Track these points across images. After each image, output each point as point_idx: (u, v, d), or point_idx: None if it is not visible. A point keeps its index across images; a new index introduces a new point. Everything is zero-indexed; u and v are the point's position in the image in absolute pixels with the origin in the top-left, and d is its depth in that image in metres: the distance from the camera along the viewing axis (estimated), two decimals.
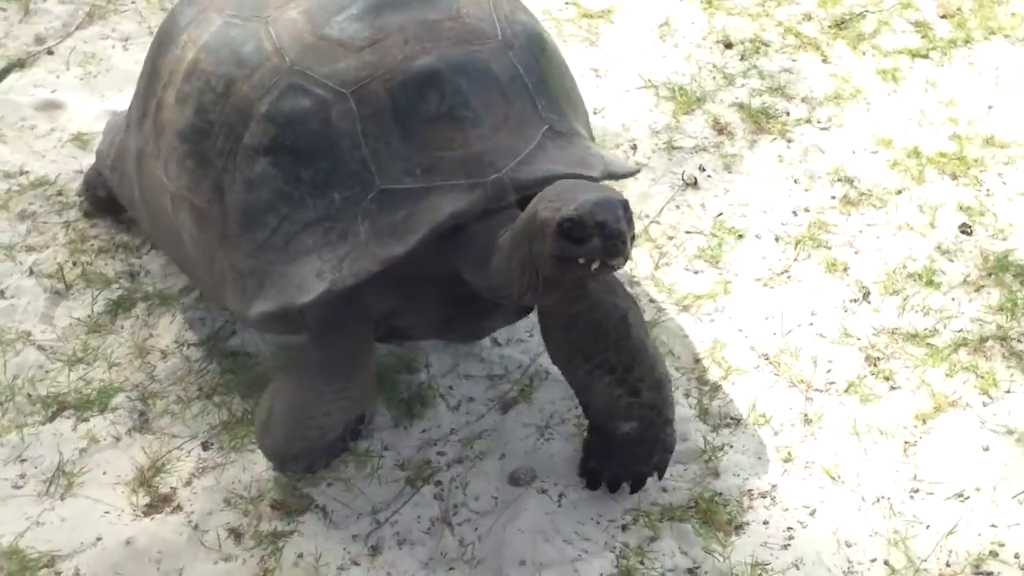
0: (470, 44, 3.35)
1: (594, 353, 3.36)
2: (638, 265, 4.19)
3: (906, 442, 3.59)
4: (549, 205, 2.99)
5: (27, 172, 4.66)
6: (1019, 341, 3.90)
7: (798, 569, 3.27)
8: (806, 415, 3.68)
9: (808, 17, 5.62)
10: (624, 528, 3.39)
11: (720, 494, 3.45)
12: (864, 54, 5.36)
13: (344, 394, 3.43)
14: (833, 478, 3.50)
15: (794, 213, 4.46)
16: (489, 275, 3.19)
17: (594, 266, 2.94)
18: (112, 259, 4.32)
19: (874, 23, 5.56)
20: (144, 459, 3.60)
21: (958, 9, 5.65)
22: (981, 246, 4.28)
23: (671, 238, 4.36)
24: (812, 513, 3.41)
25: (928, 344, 3.90)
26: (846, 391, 3.75)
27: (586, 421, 3.59)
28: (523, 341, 3.91)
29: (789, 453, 3.57)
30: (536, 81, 3.40)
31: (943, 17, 5.63)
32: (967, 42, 5.43)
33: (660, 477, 3.47)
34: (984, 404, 3.69)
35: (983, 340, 3.90)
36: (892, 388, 3.76)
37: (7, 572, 3.31)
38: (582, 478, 3.52)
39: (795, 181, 4.62)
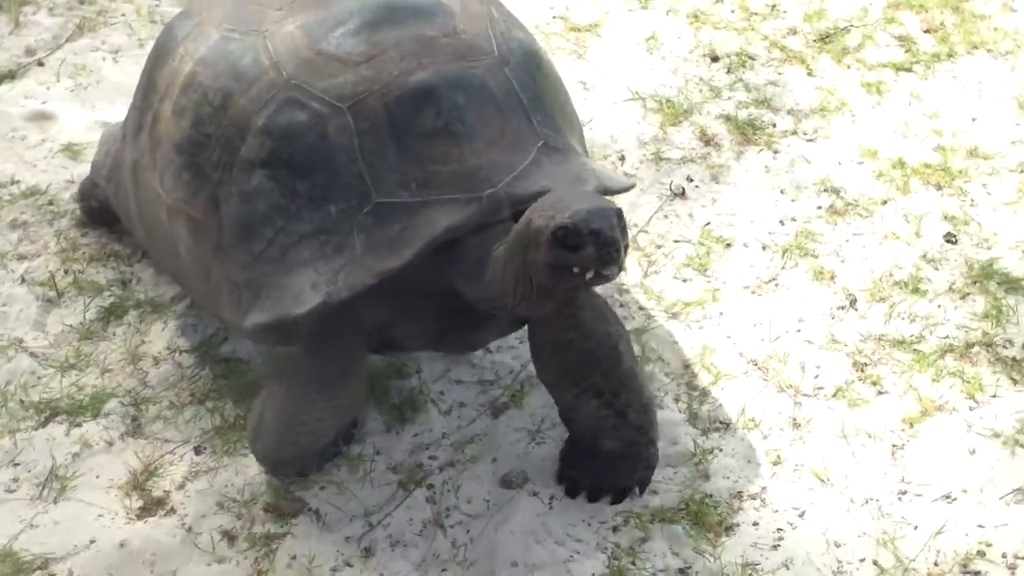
0: (466, 60, 3.37)
1: (583, 378, 3.38)
2: (627, 273, 4.22)
3: (894, 445, 3.63)
4: (543, 214, 3.02)
5: (18, 182, 4.68)
6: (1004, 347, 3.94)
7: (788, 569, 3.30)
8: (795, 419, 3.71)
9: (793, 31, 5.68)
10: (615, 529, 3.41)
11: (710, 496, 3.48)
12: (849, 67, 5.42)
13: (335, 402, 3.46)
14: (822, 480, 3.53)
15: (781, 222, 4.51)
16: (484, 286, 3.21)
17: (588, 275, 2.96)
18: (103, 267, 4.34)
19: (858, 37, 5.62)
20: (137, 463, 3.61)
21: (941, 24, 5.72)
22: (966, 255, 4.32)
23: (659, 247, 4.40)
24: (801, 515, 3.44)
25: (915, 350, 3.94)
26: (834, 396, 3.79)
27: None
28: (513, 347, 3.93)
29: (778, 456, 3.60)
30: (531, 97, 3.42)
31: (926, 32, 5.69)
32: (950, 56, 5.49)
33: (641, 492, 3.50)
34: (970, 408, 3.73)
35: (969, 346, 3.94)
36: (879, 393, 3.80)
37: (1, 574, 3.32)
38: (560, 484, 3.54)
39: (782, 191, 4.66)
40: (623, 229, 2.99)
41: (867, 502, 3.46)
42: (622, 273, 3.95)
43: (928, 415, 3.71)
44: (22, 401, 3.81)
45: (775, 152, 4.88)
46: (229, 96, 3.38)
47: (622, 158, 4.81)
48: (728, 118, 5.06)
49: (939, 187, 4.67)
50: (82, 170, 4.79)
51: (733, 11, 5.85)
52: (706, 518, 3.41)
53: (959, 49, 5.54)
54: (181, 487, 3.56)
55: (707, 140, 4.95)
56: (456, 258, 3.24)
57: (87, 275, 4.31)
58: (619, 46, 5.57)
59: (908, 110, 5.13)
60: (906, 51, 5.52)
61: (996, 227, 4.44)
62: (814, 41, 5.61)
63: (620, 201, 4.29)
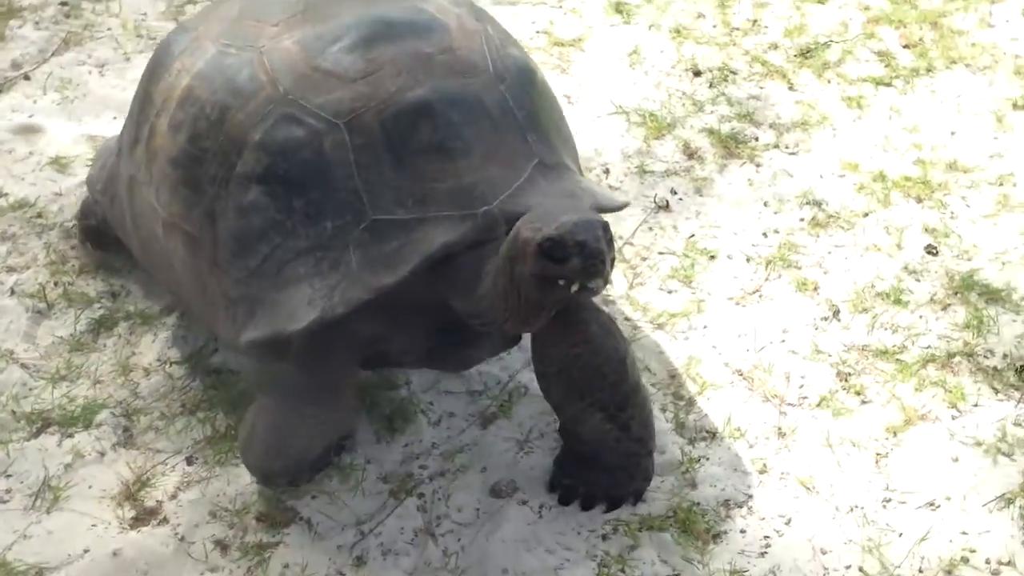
0: (462, 77, 3.40)
1: (589, 393, 3.40)
2: (613, 285, 4.26)
3: (878, 454, 3.67)
4: (531, 226, 3.07)
5: (6, 194, 4.71)
6: (985, 357, 4.00)
7: (775, 575, 3.34)
8: (780, 428, 3.76)
9: (774, 46, 5.75)
10: (604, 538, 3.45)
11: (698, 504, 3.52)
12: (829, 82, 5.48)
13: (325, 417, 3.50)
14: (808, 488, 3.58)
15: (764, 235, 4.56)
16: (476, 301, 3.25)
17: (574, 287, 3.01)
18: (93, 279, 4.37)
19: (839, 52, 5.68)
20: (129, 474, 3.64)
21: (920, 39, 5.79)
22: (947, 266, 4.38)
23: (644, 259, 4.44)
24: (788, 522, 3.48)
25: (897, 360, 3.99)
26: (818, 405, 3.84)
27: None
28: (501, 359, 3.96)
29: (764, 465, 3.65)
30: (527, 114, 3.45)
31: (906, 47, 5.76)
32: (929, 71, 5.56)
33: (635, 503, 3.53)
34: (953, 417, 3.78)
35: (950, 356, 3.99)
36: (863, 402, 3.85)
37: None
38: (552, 492, 3.57)
39: (764, 204, 4.72)
40: (609, 241, 3.03)
41: (852, 510, 3.51)
42: (609, 285, 4.01)
43: (911, 424, 3.76)
44: (13, 412, 3.83)
45: (758, 165, 4.93)
46: (226, 111, 3.39)
47: (606, 171, 4.86)
48: (711, 132, 5.12)
49: (919, 200, 4.73)
50: (70, 183, 4.83)
51: (715, 26, 5.91)
52: (694, 526, 3.45)
53: (938, 64, 5.61)
54: (173, 497, 3.58)
55: (690, 153, 5.00)
56: (450, 274, 3.27)
57: (77, 287, 4.33)
58: (602, 61, 5.63)
59: (888, 124, 5.19)
60: (886, 66, 5.59)
61: (976, 239, 4.50)
62: (795, 56, 5.67)
63: (605, 214, 4.35)
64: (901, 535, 3.43)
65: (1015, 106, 5.30)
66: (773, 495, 3.56)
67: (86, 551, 3.43)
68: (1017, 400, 3.83)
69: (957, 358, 3.99)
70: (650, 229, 4.58)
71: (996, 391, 3.86)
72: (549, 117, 3.60)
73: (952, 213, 4.66)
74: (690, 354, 4.03)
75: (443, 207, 3.23)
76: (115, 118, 5.22)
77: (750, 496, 3.55)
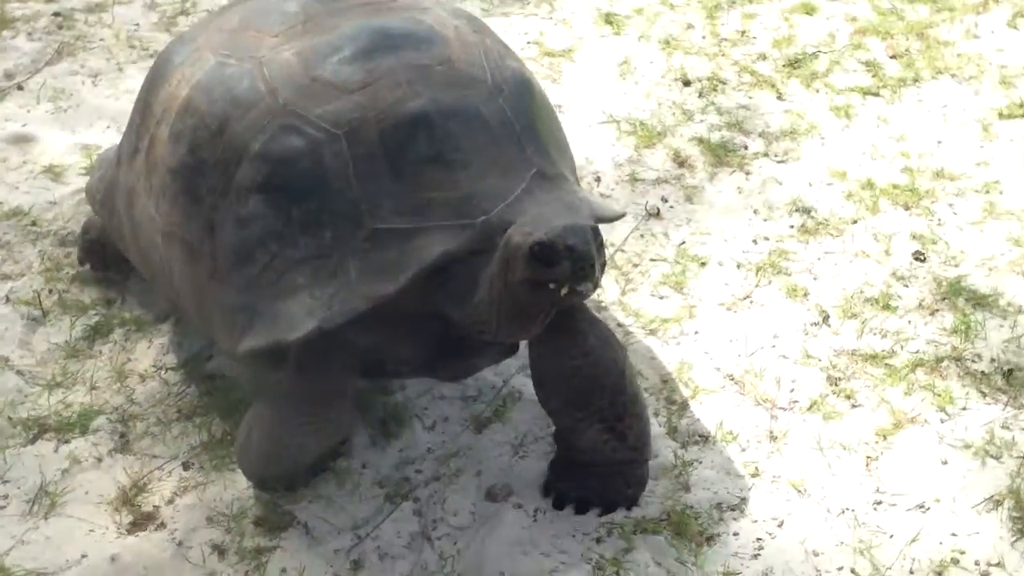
0: (461, 89, 3.41)
1: (588, 403, 3.43)
2: (605, 291, 4.30)
3: (868, 457, 3.71)
4: (521, 231, 3.11)
5: (1, 203, 4.73)
6: (973, 361, 4.04)
7: None
8: (771, 432, 3.80)
9: (763, 57, 5.80)
10: (599, 540, 3.48)
11: (691, 507, 3.55)
12: (817, 92, 5.54)
13: (321, 424, 3.52)
14: (799, 491, 3.61)
15: (754, 241, 4.60)
16: (472, 308, 3.27)
17: (563, 291, 3.04)
18: (87, 287, 4.40)
19: (826, 63, 5.75)
20: (126, 479, 3.66)
21: (906, 50, 5.86)
22: (934, 272, 4.43)
23: (636, 265, 4.48)
24: (780, 524, 3.52)
25: (886, 364, 4.03)
26: (809, 409, 3.87)
27: None
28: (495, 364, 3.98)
29: (756, 468, 3.68)
30: (525, 126, 3.46)
31: (892, 57, 5.83)
32: (916, 81, 5.62)
33: (630, 508, 3.56)
34: (942, 420, 3.82)
35: (939, 360, 4.04)
36: (853, 406, 3.89)
37: None
38: (546, 497, 3.60)
39: (754, 211, 4.76)
40: (599, 246, 3.07)
41: (843, 512, 3.54)
42: (600, 291, 4.06)
43: (901, 427, 3.80)
44: (10, 418, 3.85)
45: (747, 173, 4.98)
46: (226, 121, 3.40)
47: (598, 179, 4.90)
48: (701, 140, 5.17)
49: (907, 207, 4.77)
50: (64, 191, 4.87)
51: (704, 37, 5.97)
52: (688, 528, 3.48)
53: (924, 74, 5.67)
54: (170, 502, 3.60)
55: (681, 162, 5.05)
56: (448, 283, 3.29)
57: (71, 294, 4.36)
58: (593, 71, 5.68)
59: (876, 133, 5.25)
60: (873, 76, 5.65)
61: (963, 245, 4.55)
62: (783, 66, 5.73)
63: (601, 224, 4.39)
64: (892, 537, 3.46)
65: (1001, 115, 5.36)
66: (765, 498, 3.59)
67: (84, 556, 3.44)
68: (1005, 404, 3.87)
69: (945, 362, 4.03)
70: (641, 236, 4.62)
71: (984, 395, 3.91)
72: (547, 128, 3.61)
73: (939, 220, 4.71)
74: (682, 359, 4.07)
75: (441, 217, 3.24)
76: (108, 127, 5.28)
77: (743, 499, 3.59)
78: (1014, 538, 3.44)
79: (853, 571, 3.38)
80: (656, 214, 4.75)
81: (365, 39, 3.45)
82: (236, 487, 3.63)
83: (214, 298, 3.43)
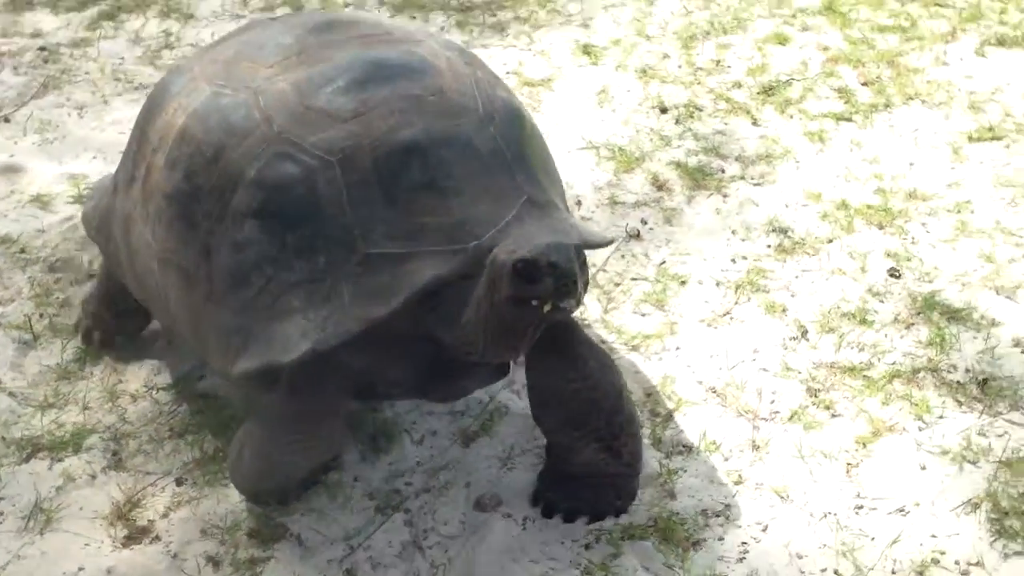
0: (452, 118, 3.47)
1: (585, 424, 3.51)
2: (588, 309, 4.38)
3: (848, 464, 3.79)
4: (506, 249, 3.19)
5: None
6: (948, 372, 4.13)
7: None
8: (754, 441, 3.87)
9: (738, 85, 5.93)
10: (587, 547, 3.54)
11: (677, 514, 3.62)
12: (792, 117, 5.65)
13: (312, 443, 3.58)
14: (782, 497, 3.69)
15: (733, 261, 4.70)
16: (460, 329, 3.33)
17: (546, 308, 3.12)
18: (77, 311, 4.44)
19: (800, 90, 5.87)
20: (120, 495, 3.71)
21: (878, 77, 5.99)
22: (909, 288, 4.52)
23: (618, 284, 4.57)
24: (764, 529, 3.59)
25: (864, 376, 4.12)
26: (790, 419, 3.95)
27: (545, 451, 3.76)
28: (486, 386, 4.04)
29: (740, 476, 3.76)
30: (515, 154, 3.52)
31: (864, 84, 5.96)
32: (887, 106, 5.75)
33: (618, 516, 3.63)
34: (919, 428, 3.90)
35: (915, 371, 4.12)
36: (833, 416, 3.97)
37: None
38: (535, 506, 3.67)
39: (732, 232, 4.86)
40: (582, 264, 3.15)
41: (825, 516, 3.62)
42: (583, 309, 4.14)
43: (880, 435, 3.88)
44: (3, 438, 3.91)
45: (724, 196, 5.08)
46: (222, 149, 3.45)
47: (578, 203, 4.99)
48: (679, 165, 5.27)
49: (881, 226, 4.88)
50: (52, 219, 4.95)
51: (680, 67, 6.09)
52: (674, 534, 3.54)
53: (895, 100, 5.80)
54: (164, 516, 3.66)
55: (659, 185, 5.15)
56: (439, 307, 3.34)
57: (61, 318, 4.43)
58: (572, 99, 5.79)
59: (849, 156, 5.36)
60: (845, 102, 5.78)
61: (936, 262, 4.65)
62: (758, 93, 5.85)
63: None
64: (873, 539, 3.53)
65: (970, 138, 5.48)
66: (749, 504, 3.66)
67: (80, 569, 3.49)
68: (980, 412, 3.95)
69: (922, 373, 4.12)
70: (622, 257, 4.71)
71: (960, 403, 3.99)
72: (537, 157, 3.67)
73: (913, 239, 4.81)
74: (665, 373, 4.15)
75: (433, 242, 3.30)
76: (94, 158, 5.37)
77: (727, 505, 3.66)
78: (992, 538, 3.51)
79: (836, 572, 3.45)
80: (636, 235, 4.84)
81: (359, 70, 3.51)
82: (229, 501, 3.68)
83: (210, 321, 3.48)
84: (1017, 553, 3.48)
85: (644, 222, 4.92)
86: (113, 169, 5.02)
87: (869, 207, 4.99)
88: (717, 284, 4.57)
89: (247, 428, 3.62)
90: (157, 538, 3.59)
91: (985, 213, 4.95)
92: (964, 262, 4.66)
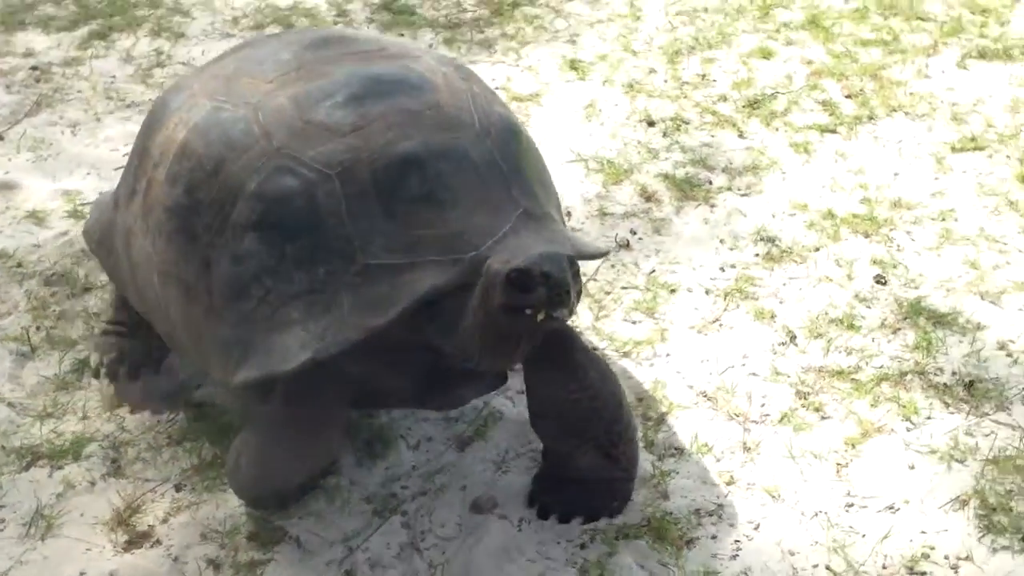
0: (449, 132, 3.52)
1: (585, 432, 3.57)
2: (579, 317, 4.44)
3: (838, 464, 3.85)
4: (500, 258, 3.25)
5: None
6: (935, 375, 4.20)
7: None
8: (745, 443, 3.94)
9: (723, 98, 6.00)
10: (583, 546, 3.59)
11: (670, 513, 3.68)
12: (777, 130, 5.73)
13: (308, 451, 3.63)
14: (773, 497, 3.75)
15: (721, 269, 4.77)
16: (457, 337, 3.38)
17: (540, 316, 3.17)
18: (73, 324, 4.51)
19: (785, 103, 5.95)
20: (120, 501, 3.75)
21: (861, 90, 6.07)
22: (895, 294, 4.59)
23: (608, 293, 4.63)
24: (756, 527, 3.64)
25: (853, 379, 4.18)
26: (780, 422, 4.02)
27: (539, 454, 3.82)
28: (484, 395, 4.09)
29: (731, 476, 3.82)
30: (511, 167, 3.57)
31: (848, 97, 6.04)
32: (871, 118, 5.83)
33: (612, 517, 3.69)
34: (908, 429, 3.96)
35: (903, 374, 4.19)
36: (822, 418, 4.03)
37: None
38: (531, 507, 3.73)
39: (721, 241, 4.93)
40: (574, 274, 3.21)
41: (817, 514, 3.68)
42: (575, 318, 4.19)
43: (869, 436, 3.94)
44: (3, 447, 3.95)
45: (712, 206, 5.15)
46: (221, 163, 3.49)
47: (568, 214, 5.05)
48: (666, 176, 5.34)
49: (867, 235, 4.95)
50: (47, 235, 5.00)
51: (666, 81, 6.17)
52: (668, 533, 3.60)
53: (879, 112, 5.88)
54: (164, 521, 3.70)
55: (648, 197, 5.22)
56: (436, 316, 3.38)
57: (59, 330, 4.47)
58: (560, 114, 5.86)
59: (834, 167, 5.44)
60: (830, 114, 5.86)
61: (922, 269, 4.73)
62: (743, 107, 5.93)
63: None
64: (864, 536, 3.60)
65: (953, 149, 5.56)
66: (741, 503, 3.72)
67: (82, 573, 3.53)
68: (967, 412, 4.02)
69: (909, 376, 4.19)
70: (612, 266, 4.77)
71: (947, 405, 4.06)
72: (533, 170, 3.73)
73: (898, 246, 4.89)
74: (656, 378, 4.21)
75: (431, 253, 3.34)
76: (88, 174, 5.41)
77: (720, 505, 3.72)
78: (981, 534, 3.58)
79: (828, 568, 3.51)
80: (626, 245, 4.90)
81: (357, 85, 3.56)
82: (228, 506, 3.73)
83: (210, 332, 3.51)
84: (1005, 548, 3.55)
85: (633, 232, 4.99)
86: (106, 185, 5.13)
87: (855, 216, 5.06)
88: (706, 292, 4.63)
89: (244, 436, 3.66)
90: (158, 542, 3.63)
91: (969, 221, 5.03)
92: (949, 268, 4.74)
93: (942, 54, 6.41)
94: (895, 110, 5.91)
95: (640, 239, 4.96)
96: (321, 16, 6.98)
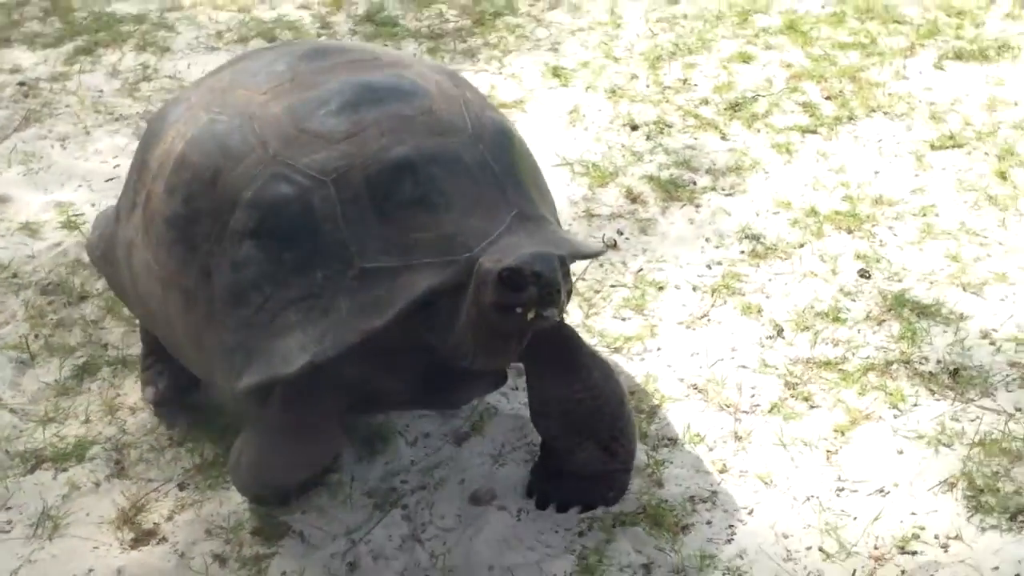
0: (442, 136, 3.57)
1: (586, 428, 3.66)
2: (569, 315, 4.51)
3: (828, 451, 3.94)
4: (492, 258, 3.32)
5: None
6: (920, 363, 4.29)
7: (742, 559, 3.58)
8: (736, 433, 4.02)
9: (705, 102, 6.10)
10: (581, 534, 3.67)
11: (666, 501, 3.76)
12: (759, 131, 5.83)
13: (307, 453, 3.70)
14: (766, 483, 3.83)
15: (708, 266, 4.85)
16: (452, 337, 3.44)
17: (530, 315, 3.24)
18: (71, 331, 4.57)
19: (766, 105, 6.04)
20: (125, 501, 3.82)
21: (840, 92, 6.17)
22: (879, 287, 4.69)
23: (597, 291, 4.72)
24: (750, 512, 3.73)
25: (840, 370, 4.27)
26: (770, 411, 4.10)
27: (536, 447, 3.90)
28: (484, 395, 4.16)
29: (724, 465, 3.90)
30: (504, 170, 3.63)
31: (827, 99, 6.14)
32: (851, 119, 5.93)
33: (609, 506, 3.78)
34: (895, 416, 4.05)
35: (889, 364, 4.28)
36: (811, 407, 4.12)
37: None
38: (529, 498, 3.81)
39: (706, 239, 5.02)
40: (566, 274, 3.29)
41: (808, 499, 3.76)
42: (565, 316, 4.26)
43: (857, 424, 4.03)
44: (7, 451, 4.01)
45: (697, 206, 5.24)
46: (219, 173, 3.54)
47: None
48: (651, 178, 5.43)
49: (850, 231, 5.05)
50: (41, 246, 5.07)
51: (648, 86, 6.26)
52: (664, 520, 3.68)
53: (858, 113, 5.98)
54: (169, 519, 3.77)
55: (633, 198, 5.31)
56: (433, 317, 3.45)
57: (57, 338, 4.53)
58: (544, 119, 5.95)
59: (816, 166, 5.54)
60: (810, 116, 5.96)
61: (904, 263, 4.82)
62: (725, 110, 6.03)
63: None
64: (855, 518, 3.68)
65: (932, 147, 5.66)
66: (734, 490, 3.80)
67: (91, 571, 3.60)
68: (952, 399, 4.12)
69: (895, 365, 4.28)
70: (600, 266, 4.85)
71: (933, 392, 4.15)
72: (527, 172, 3.78)
73: (881, 241, 4.98)
74: (647, 372, 4.29)
75: (427, 255, 3.40)
76: (79, 187, 5.48)
77: (713, 492, 3.80)
78: (970, 514, 3.67)
79: (822, 549, 3.59)
80: (613, 246, 4.99)
81: (350, 93, 3.61)
82: (232, 502, 3.79)
83: (212, 339, 3.56)
84: (993, 527, 3.64)
85: (620, 232, 5.07)
86: (98, 197, 5.23)
87: (837, 213, 5.16)
88: (694, 289, 4.72)
89: (245, 436, 3.72)
90: (164, 539, 3.69)
91: (949, 216, 5.13)
92: (931, 262, 4.83)
93: (919, 56, 6.52)
94: (874, 110, 6.01)
95: (627, 239, 5.04)
96: (305, 28, 7.06)
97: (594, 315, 4.59)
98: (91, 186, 5.49)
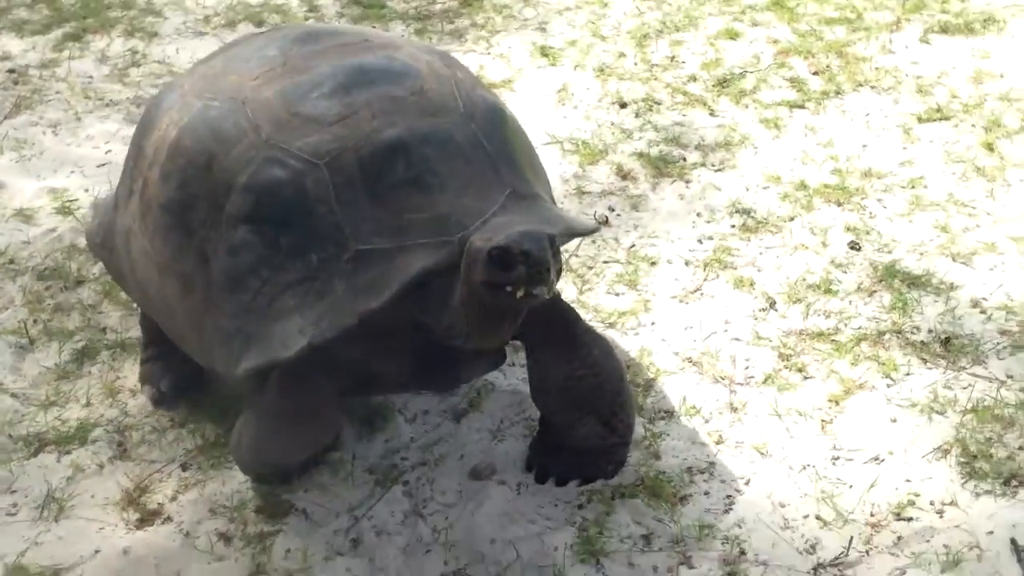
0: (435, 116, 3.59)
1: (587, 404, 3.70)
2: (563, 292, 4.55)
3: (823, 420, 3.99)
4: (482, 236, 3.34)
5: None
6: (912, 333, 4.34)
7: (740, 528, 3.63)
8: (731, 404, 4.07)
9: (693, 79, 6.14)
10: (580, 507, 3.72)
11: (663, 472, 3.80)
12: (747, 107, 5.87)
13: (305, 435, 3.73)
14: (762, 453, 3.88)
15: (699, 241, 4.90)
16: (447, 316, 3.48)
17: (519, 293, 3.26)
18: (69, 316, 4.60)
19: (753, 81, 6.09)
20: (128, 482, 3.85)
21: (827, 67, 6.22)
22: (870, 259, 4.74)
23: (591, 268, 4.76)
24: (747, 482, 3.78)
25: (833, 340, 4.32)
26: (764, 383, 4.15)
27: (534, 422, 3.94)
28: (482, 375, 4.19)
29: (720, 436, 3.95)
30: (497, 149, 3.65)
31: (815, 74, 6.19)
32: (838, 93, 5.98)
33: (608, 479, 3.82)
34: (888, 385, 4.10)
35: (881, 334, 4.33)
36: (805, 378, 4.17)
37: None
38: (529, 472, 3.86)
39: (697, 214, 5.07)
40: (555, 253, 3.31)
41: (804, 468, 3.81)
42: (559, 292, 4.30)
43: (851, 393, 4.08)
44: (10, 435, 4.04)
45: (687, 182, 5.29)
46: (213, 158, 3.56)
47: None
48: (641, 155, 5.47)
49: (839, 204, 5.10)
50: (36, 231, 5.09)
51: (636, 64, 6.30)
52: (662, 491, 3.73)
53: (846, 87, 6.03)
54: (173, 499, 3.80)
55: (624, 175, 5.35)
56: (428, 297, 3.47)
57: (55, 322, 4.56)
58: (533, 98, 5.99)
59: (805, 141, 5.58)
60: (798, 91, 6.00)
61: (894, 234, 4.87)
62: (713, 86, 6.07)
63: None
64: (851, 486, 3.73)
65: (920, 119, 5.71)
66: (731, 461, 3.85)
67: (97, 551, 3.63)
68: (944, 368, 4.17)
69: (887, 335, 4.33)
70: (593, 242, 4.89)
71: (925, 361, 4.20)
72: (521, 151, 3.81)
73: (871, 214, 5.03)
74: (642, 346, 4.33)
75: (421, 235, 3.42)
76: (72, 172, 5.51)
77: (711, 463, 3.85)
78: (964, 480, 3.72)
79: (819, 517, 3.64)
80: (605, 222, 5.03)
81: (342, 76, 3.63)
82: (234, 482, 3.83)
83: (211, 325, 3.59)
84: (987, 492, 3.69)
85: (612, 209, 5.11)
86: (91, 182, 5.27)
87: (827, 186, 5.21)
88: (686, 263, 4.76)
89: (244, 418, 3.75)
90: (169, 519, 3.73)
91: (938, 187, 5.18)
92: (920, 233, 4.89)
93: (905, 30, 6.57)
94: (861, 85, 6.06)
95: (618, 215, 5.09)
96: (292, 12, 7.08)
97: (588, 291, 4.63)
98: (84, 172, 5.51)
